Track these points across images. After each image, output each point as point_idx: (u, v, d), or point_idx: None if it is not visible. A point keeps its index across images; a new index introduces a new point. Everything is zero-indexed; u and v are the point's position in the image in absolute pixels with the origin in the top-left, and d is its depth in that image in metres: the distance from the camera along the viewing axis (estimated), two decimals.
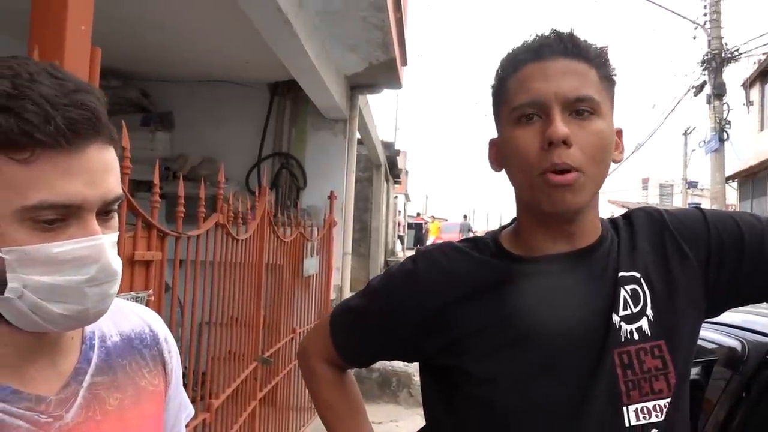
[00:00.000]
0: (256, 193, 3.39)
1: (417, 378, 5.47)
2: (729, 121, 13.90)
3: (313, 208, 5.31)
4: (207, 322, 2.60)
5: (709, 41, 13.69)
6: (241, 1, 3.11)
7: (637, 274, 0.94)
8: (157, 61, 4.88)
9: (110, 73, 4.92)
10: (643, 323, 0.91)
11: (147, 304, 1.80)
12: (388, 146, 11.38)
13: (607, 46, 0.93)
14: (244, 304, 3.06)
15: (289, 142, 5.51)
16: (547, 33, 0.92)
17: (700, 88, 14.33)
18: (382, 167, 11.30)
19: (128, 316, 0.87)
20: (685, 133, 24.59)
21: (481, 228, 38.98)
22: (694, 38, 14.31)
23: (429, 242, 23.32)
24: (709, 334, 1.59)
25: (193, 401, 1.00)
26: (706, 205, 13.53)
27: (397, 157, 13.90)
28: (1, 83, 0.62)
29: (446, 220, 35.16)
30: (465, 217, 28.42)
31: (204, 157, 5.10)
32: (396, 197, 19.76)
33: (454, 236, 22.57)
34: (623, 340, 0.90)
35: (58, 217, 0.64)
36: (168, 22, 4.05)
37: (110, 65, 4.78)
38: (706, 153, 14.81)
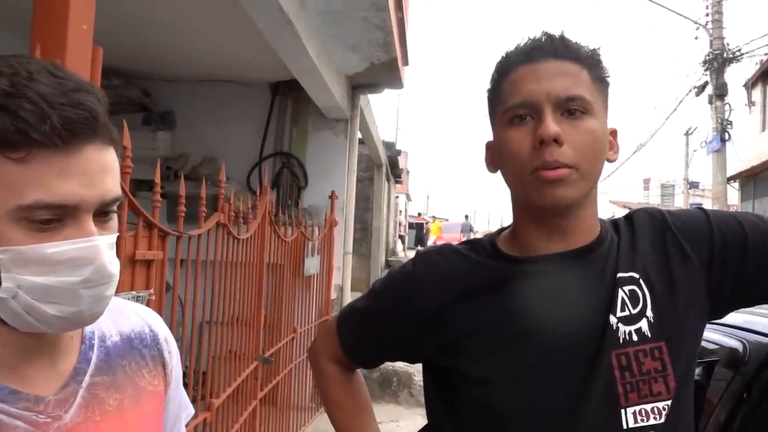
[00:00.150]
0: (257, 193, 3.39)
1: (417, 378, 5.47)
2: (731, 122, 13.89)
3: (314, 207, 5.30)
4: (208, 322, 2.60)
5: (711, 41, 13.67)
6: (242, 1, 3.11)
7: (636, 275, 0.93)
8: (158, 60, 4.88)
9: (112, 73, 4.92)
10: (643, 324, 0.91)
11: (148, 304, 1.81)
12: (389, 146, 11.39)
13: (599, 48, 0.94)
14: (244, 303, 3.06)
15: (290, 142, 5.51)
16: (538, 36, 0.94)
17: (702, 88, 14.32)
18: (383, 167, 11.30)
19: (128, 316, 0.86)
20: (687, 134, 24.57)
21: (482, 228, 38.99)
22: (696, 38, 14.33)
23: (430, 242, 23.35)
24: (711, 335, 1.58)
25: (193, 400, 1.00)
26: (707, 205, 13.51)
27: (399, 157, 13.90)
28: None
29: (447, 220, 35.15)
30: (466, 217, 28.45)
31: (205, 157, 5.10)
32: (397, 197, 19.77)
33: (456, 236, 22.60)
34: (621, 341, 0.89)
35: (54, 218, 0.64)
36: (169, 22, 4.05)
37: (112, 64, 4.79)
38: (708, 153, 14.79)
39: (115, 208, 0.70)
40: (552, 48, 0.91)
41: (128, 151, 1.69)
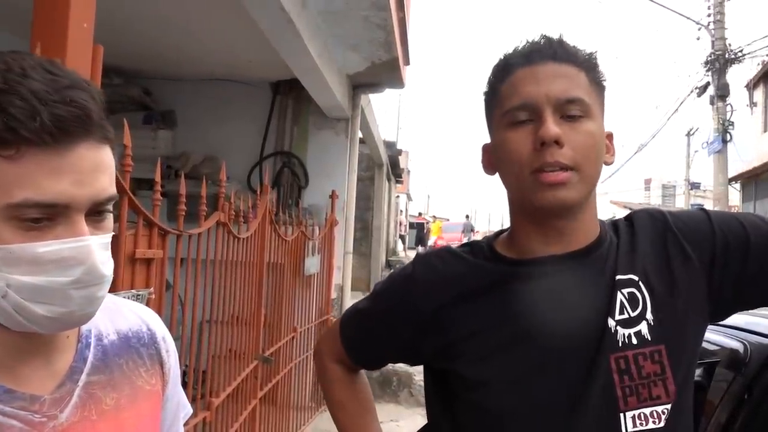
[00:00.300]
0: (258, 192, 3.38)
1: (417, 378, 5.47)
2: (732, 122, 13.86)
3: (315, 207, 5.30)
4: (208, 321, 2.60)
5: (713, 42, 13.66)
6: (244, 1, 3.11)
7: (635, 277, 0.93)
8: (159, 59, 4.88)
9: (112, 71, 4.92)
10: (643, 327, 0.90)
11: (148, 303, 1.80)
12: (390, 145, 11.39)
13: (596, 51, 0.95)
14: (244, 302, 3.06)
15: (291, 141, 5.51)
16: (536, 38, 0.94)
17: (704, 89, 14.30)
18: (383, 166, 11.30)
19: (126, 315, 0.86)
20: (688, 134, 24.55)
21: (483, 228, 38.97)
22: (698, 39, 14.30)
23: (431, 242, 23.36)
24: (712, 336, 1.58)
25: (193, 400, 1.00)
26: (708, 206, 13.52)
27: (399, 157, 13.91)
28: None
29: (448, 219, 35.15)
30: (467, 217, 28.42)
31: (206, 156, 5.10)
32: (398, 197, 19.78)
33: (456, 236, 22.62)
34: (620, 345, 0.89)
35: (44, 217, 0.63)
36: (171, 21, 4.05)
37: (113, 63, 4.79)
38: (709, 154, 14.78)
39: (110, 207, 0.69)
40: (551, 51, 0.91)
41: (129, 150, 1.68)
